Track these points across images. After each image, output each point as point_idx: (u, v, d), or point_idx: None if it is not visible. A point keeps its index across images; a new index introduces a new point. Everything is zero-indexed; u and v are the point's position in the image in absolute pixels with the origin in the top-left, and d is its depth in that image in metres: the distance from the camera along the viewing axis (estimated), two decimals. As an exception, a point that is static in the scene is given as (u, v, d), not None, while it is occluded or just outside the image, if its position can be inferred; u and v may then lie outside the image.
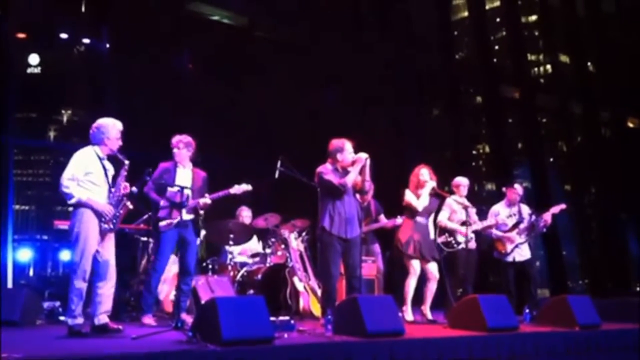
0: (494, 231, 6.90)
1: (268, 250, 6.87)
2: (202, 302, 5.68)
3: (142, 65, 8.44)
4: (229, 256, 6.77)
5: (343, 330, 4.40)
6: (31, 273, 9.31)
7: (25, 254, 8.99)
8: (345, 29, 10.35)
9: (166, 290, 6.40)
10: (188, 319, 5.13)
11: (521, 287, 6.83)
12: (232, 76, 9.29)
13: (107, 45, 8.67)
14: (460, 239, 6.45)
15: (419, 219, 6.08)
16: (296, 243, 6.98)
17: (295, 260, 6.79)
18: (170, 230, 5.47)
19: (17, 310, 5.35)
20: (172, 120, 7.99)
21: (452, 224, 6.52)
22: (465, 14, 14.44)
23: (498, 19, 15.35)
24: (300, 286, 6.62)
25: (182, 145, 5.60)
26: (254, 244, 7.30)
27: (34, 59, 9.01)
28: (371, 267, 6.96)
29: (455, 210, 6.60)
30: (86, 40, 8.94)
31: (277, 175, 6.01)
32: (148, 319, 5.36)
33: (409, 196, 6.10)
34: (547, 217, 6.87)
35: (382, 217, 7.16)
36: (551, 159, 13.71)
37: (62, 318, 5.84)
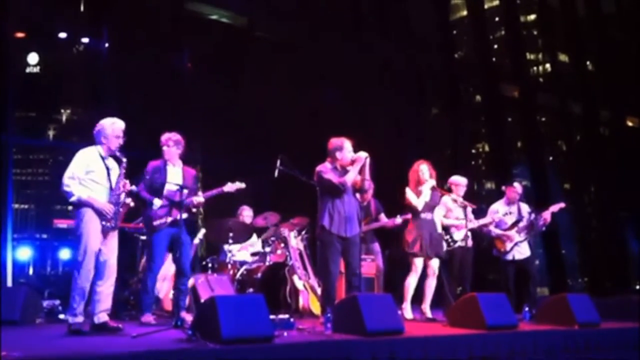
0: (494, 229, 6.91)
1: (268, 249, 6.87)
2: (202, 300, 5.68)
3: (141, 65, 8.44)
4: (229, 255, 6.77)
5: (342, 328, 4.41)
6: (31, 272, 9.33)
7: (24, 253, 9.01)
8: (344, 29, 10.34)
9: (166, 289, 6.40)
10: (188, 317, 5.13)
11: (520, 285, 6.84)
12: (231, 75, 9.30)
13: (106, 45, 8.67)
14: (457, 236, 6.47)
15: (424, 215, 6.09)
16: (296, 242, 6.98)
17: (295, 259, 6.80)
18: (163, 229, 5.46)
19: (17, 309, 5.35)
20: (171, 119, 7.99)
21: (448, 221, 6.53)
22: (465, 13, 14.46)
23: (497, 18, 15.36)
24: (299, 285, 6.63)
25: (172, 143, 5.59)
26: (254, 243, 7.30)
27: (33, 58, 9.03)
28: (371, 265, 6.96)
29: (451, 209, 6.61)
30: (85, 40, 8.95)
31: (276, 174, 6.01)
32: (147, 318, 5.36)
33: (409, 195, 6.11)
34: (547, 215, 6.87)
35: (382, 216, 7.15)
36: (550, 158, 13.73)
37: (61, 317, 5.85)
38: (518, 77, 12.52)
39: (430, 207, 6.14)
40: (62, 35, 8.79)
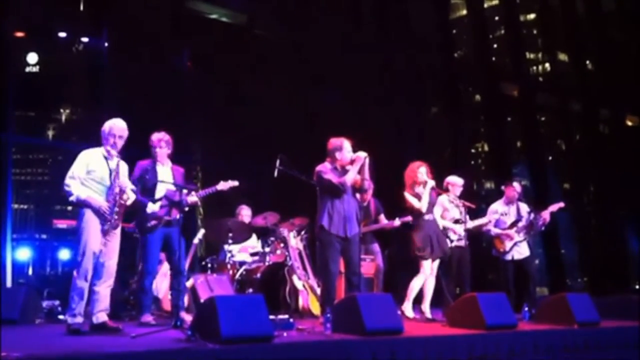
0: (493, 229, 6.92)
1: (267, 249, 6.87)
2: (201, 300, 5.68)
3: (141, 64, 8.44)
4: (228, 255, 6.77)
5: (342, 328, 4.41)
6: (30, 272, 9.31)
7: (24, 253, 8.99)
8: (344, 28, 10.34)
9: (165, 288, 6.39)
10: (187, 317, 5.13)
11: (520, 285, 6.84)
12: (230, 74, 9.29)
13: (106, 44, 8.67)
14: (453, 236, 6.48)
15: (427, 216, 6.09)
16: (295, 241, 6.98)
17: (295, 259, 6.80)
18: (157, 230, 5.45)
19: (16, 309, 5.36)
20: (170, 118, 7.99)
21: (445, 222, 6.53)
22: (464, 12, 14.44)
23: (497, 17, 15.34)
24: (299, 284, 6.63)
25: (164, 144, 5.59)
26: (253, 243, 7.30)
27: (32, 57, 9.01)
28: (370, 265, 6.96)
29: (448, 209, 6.62)
30: (85, 39, 8.94)
31: (276, 174, 6.00)
32: (147, 318, 5.36)
33: (410, 199, 6.06)
34: (546, 215, 6.88)
35: (381, 217, 7.15)
36: (550, 157, 13.72)
37: (61, 317, 5.85)
38: (518, 77, 12.51)
39: (430, 207, 6.15)
40: (62, 34, 8.79)
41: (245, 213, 7.23)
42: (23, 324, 5.32)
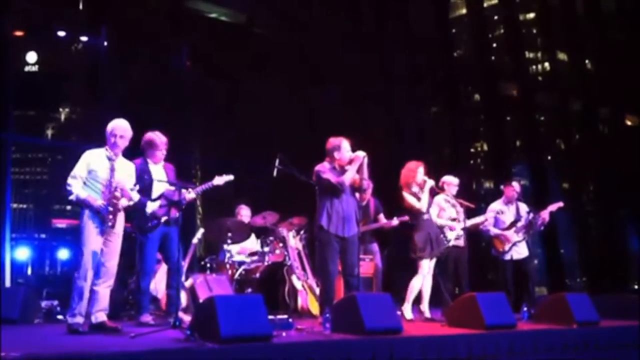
0: (492, 229, 6.91)
1: (266, 249, 6.86)
2: (201, 300, 5.67)
3: (140, 63, 8.44)
4: (227, 254, 6.76)
5: (341, 328, 4.41)
6: (29, 272, 9.31)
7: (23, 253, 8.99)
8: (344, 28, 10.34)
9: (164, 288, 6.37)
10: (186, 317, 5.12)
11: (519, 285, 6.84)
12: (230, 73, 9.28)
13: (105, 43, 8.66)
14: (450, 235, 6.48)
15: (426, 216, 6.09)
16: (294, 241, 6.98)
17: (294, 259, 6.80)
18: (157, 229, 5.44)
19: (16, 309, 5.35)
20: (170, 117, 7.98)
21: (441, 220, 6.53)
22: (463, 11, 14.44)
23: (496, 17, 15.33)
24: (298, 284, 6.62)
25: (163, 146, 5.58)
26: (252, 243, 7.29)
27: (32, 56, 9.02)
28: (369, 265, 6.96)
29: (444, 208, 6.61)
30: (84, 38, 8.94)
31: (275, 173, 5.99)
32: (146, 318, 5.35)
33: (409, 199, 6.04)
34: (545, 215, 6.88)
35: (381, 216, 7.15)
36: (549, 157, 13.71)
37: (60, 317, 5.84)
38: (517, 76, 12.51)
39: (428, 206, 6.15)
40: (61, 33, 8.78)
41: (244, 213, 7.22)
42: (22, 324, 5.32)
